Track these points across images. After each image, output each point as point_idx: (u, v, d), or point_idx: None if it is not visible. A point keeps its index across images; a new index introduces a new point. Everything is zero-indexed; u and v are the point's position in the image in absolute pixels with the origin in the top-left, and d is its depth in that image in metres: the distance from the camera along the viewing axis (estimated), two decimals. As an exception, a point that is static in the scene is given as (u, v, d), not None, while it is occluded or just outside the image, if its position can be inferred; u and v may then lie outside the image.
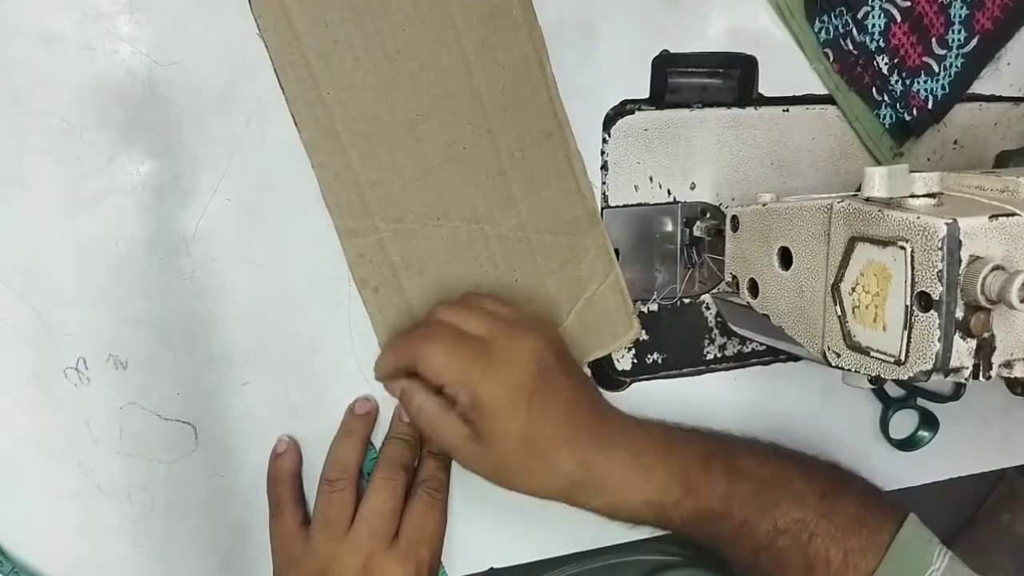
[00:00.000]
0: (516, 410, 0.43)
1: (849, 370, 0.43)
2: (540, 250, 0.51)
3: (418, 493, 0.48)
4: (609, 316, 0.53)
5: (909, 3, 0.54)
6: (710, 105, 0.54)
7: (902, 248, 0.38)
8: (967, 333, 0.37)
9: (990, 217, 0.37)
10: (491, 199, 0.50)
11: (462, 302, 0.47)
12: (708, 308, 0.57)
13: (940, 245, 0.36)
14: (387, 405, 0.51)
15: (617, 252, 0.54)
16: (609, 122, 0.52)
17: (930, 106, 0.56)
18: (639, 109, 0.52)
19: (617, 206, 0.53)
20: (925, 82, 0.56)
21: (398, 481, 0.47)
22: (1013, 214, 0.37)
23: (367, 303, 0.49)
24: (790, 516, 0.47)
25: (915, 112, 0.56)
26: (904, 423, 0.63)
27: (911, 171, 0.39)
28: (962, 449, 0.65)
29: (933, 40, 0.55)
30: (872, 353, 0.40)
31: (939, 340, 0.37)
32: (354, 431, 0.49)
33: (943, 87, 0.56)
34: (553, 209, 0.51)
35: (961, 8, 0.55)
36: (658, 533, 0.51)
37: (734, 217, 0.51)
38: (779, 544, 0.46)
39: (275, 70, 0.45)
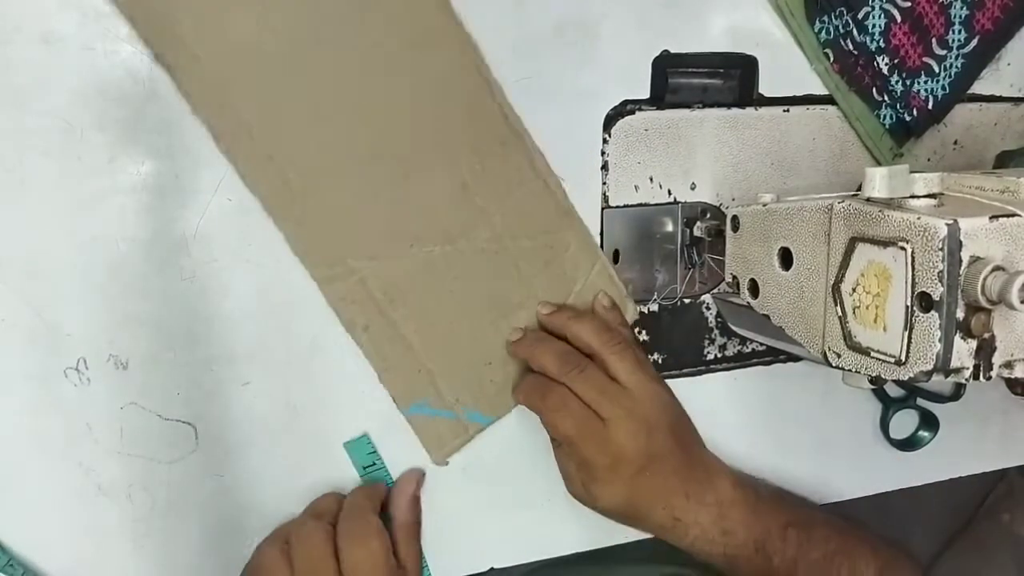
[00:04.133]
0: (621, 485, 0.48)
1: (849, 370, 0.43)
2: (520, 256, 0.51)
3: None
4: None
5: (909, 3, 0.54)
6: (710, 105, 0.54)
7: (903, 248, 0.38)
8: (967, 334, 0.37)
9: (991, 218, 0.37)
10: (460, 216, 0.49)
11: (590, 366, 0.49)
12: (708, 308, 0.57)
13: (941, 246, 0.36)
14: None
15: (617, 252, 0.54)
16: (609, 122, 0.52)
17: (930, 106, 0.56)
18: (639, 109, 0.52)
19: (617, 206, 0.53)
20: (925, 82, 0.56)
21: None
22: (1013, 215, 0.37)
23: (360, 343, 0.49)
24: None
25: (915, 112, 0.56)
26: (904, 423, 0.63)
27: (911, 171, 0.39)
28: (962, 449, 0.65)
29: (933, 40, 0.55)
30: (872, 353, 0.40)
31: (939, 340, 0.37)
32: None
33: (943, 87, 0.56)
34: (524, 213, 0.50)
35: (961, 8, 0.55)
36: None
37: (734, 217, 0.51)
38: None
39: (216, 144, 0.44)
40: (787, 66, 0.55)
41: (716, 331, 0.57)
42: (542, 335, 0.51)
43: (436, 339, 0.50)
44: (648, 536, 0.52)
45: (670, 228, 0.55)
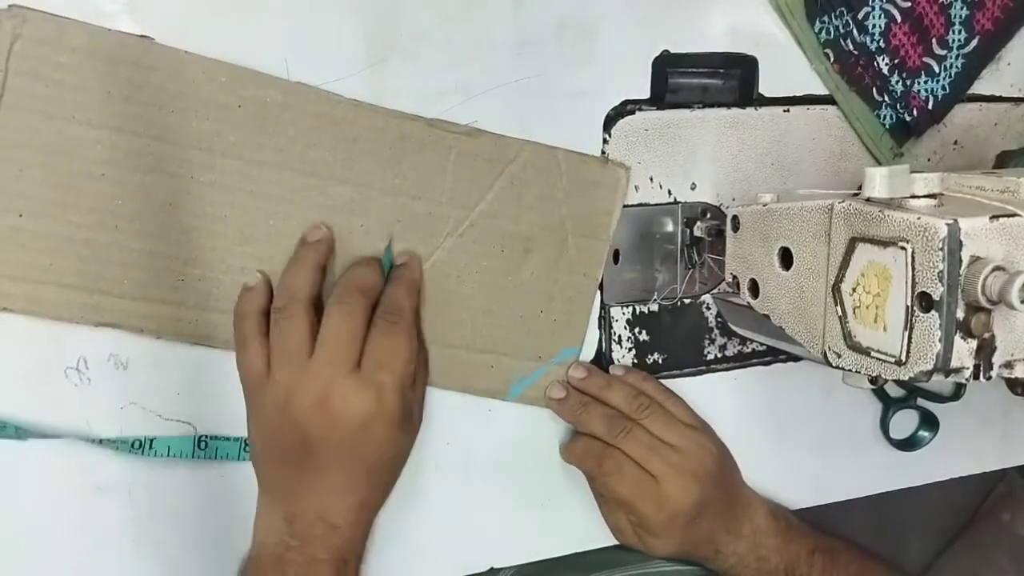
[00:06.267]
0: (675, 536, 0.52)
1: (850, 370, 0.43)
2: (488, 214, 0.50)
3: (375, 321, 0.45)
4: (593, 177, 0.52)
5: (909, 3, 0.54)
6: (710, 105, 0.54)
7: (903, 248, 0.38)
8: (968, 333, 0.37)
9: (991, 218, 0.37)
10: (421, 231, 0.49)
11: (636, 426, 0.52)
12: (708, 308, 0.57)
13: (941, 246, 0.36)
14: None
15: (617, 252, 0.54)
16: (609, 122, 0.52)
17: (930, 106, 0.56)
18: (639, 109, 0.52)
19: (617, 206, 0.53)
20: (925, 82, 0.56)
21: (354, 304, 0.45)
22: (1014, 215, 0.37)
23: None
24: None
25: (915, 112, 0.56)
26: (904, 423, 0.63)
27: (911, 171, 0.39)
28: (962, 449, 0.65)
29: (933, 40, 0.55)
30: (873, 353, 0.40)
31: (940, 340, 0.37)
32: (304, 259, 0.46)
33: (943, 87, 0.56)
34: (462, 185, 0.50)
35: (961, 8, 0.55)
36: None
37: (735, 217, 0.51)
38: None
39: None
40: (787, 66, 0.55)
41: (716, 331, 0.57)
42: (585, 399, 0.53)
43: (478, 330, 0.52)
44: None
45: (670, 228, 0.55)
